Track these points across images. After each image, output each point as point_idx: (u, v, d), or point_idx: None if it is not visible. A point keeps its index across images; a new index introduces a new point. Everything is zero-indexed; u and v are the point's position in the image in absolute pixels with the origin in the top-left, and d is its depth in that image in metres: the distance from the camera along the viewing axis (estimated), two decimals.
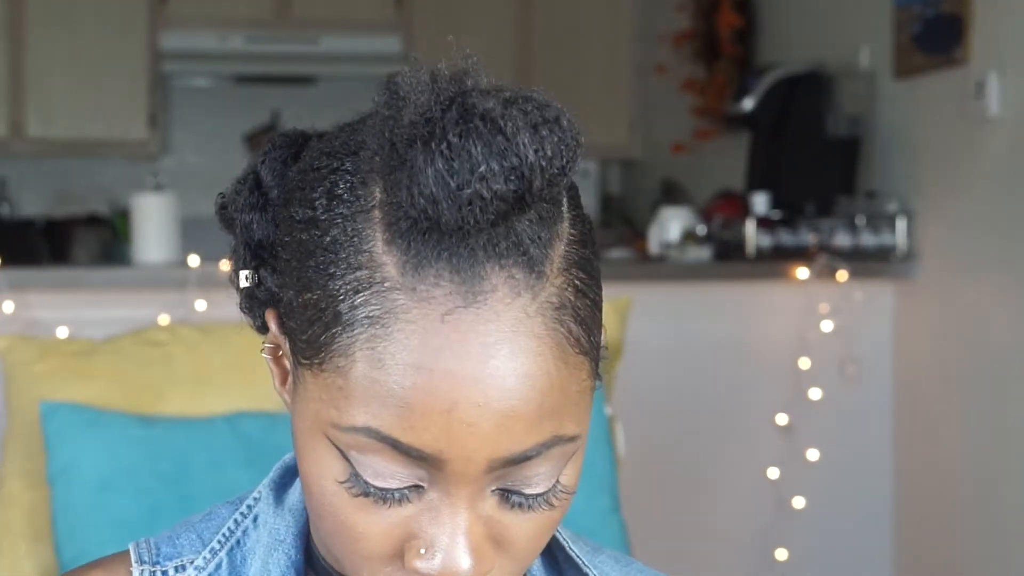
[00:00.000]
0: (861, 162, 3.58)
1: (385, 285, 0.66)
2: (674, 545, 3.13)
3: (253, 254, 0.78)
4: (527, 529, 0.71)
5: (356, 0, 5.11)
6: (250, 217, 0.78)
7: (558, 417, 0.68)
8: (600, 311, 0.72)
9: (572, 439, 0.69)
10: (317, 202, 0.70)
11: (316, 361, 0.69)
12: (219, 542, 0.83)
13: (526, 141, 0.64)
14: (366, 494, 0.68)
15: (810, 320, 3.25)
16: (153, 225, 3.16)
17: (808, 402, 3.25)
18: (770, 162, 3.80)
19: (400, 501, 0.68)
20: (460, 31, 5.10)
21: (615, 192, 5.74)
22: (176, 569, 0.82)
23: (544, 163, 0.65)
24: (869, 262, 3.32)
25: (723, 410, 3.27)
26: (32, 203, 5.20)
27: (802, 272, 3.23)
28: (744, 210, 3.58)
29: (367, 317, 0.66)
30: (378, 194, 0.68)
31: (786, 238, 3.44)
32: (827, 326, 3.25)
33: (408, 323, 0.66)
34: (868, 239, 3.35)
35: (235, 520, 0.83)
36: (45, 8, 4.87)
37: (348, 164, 0.71)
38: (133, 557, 0.83)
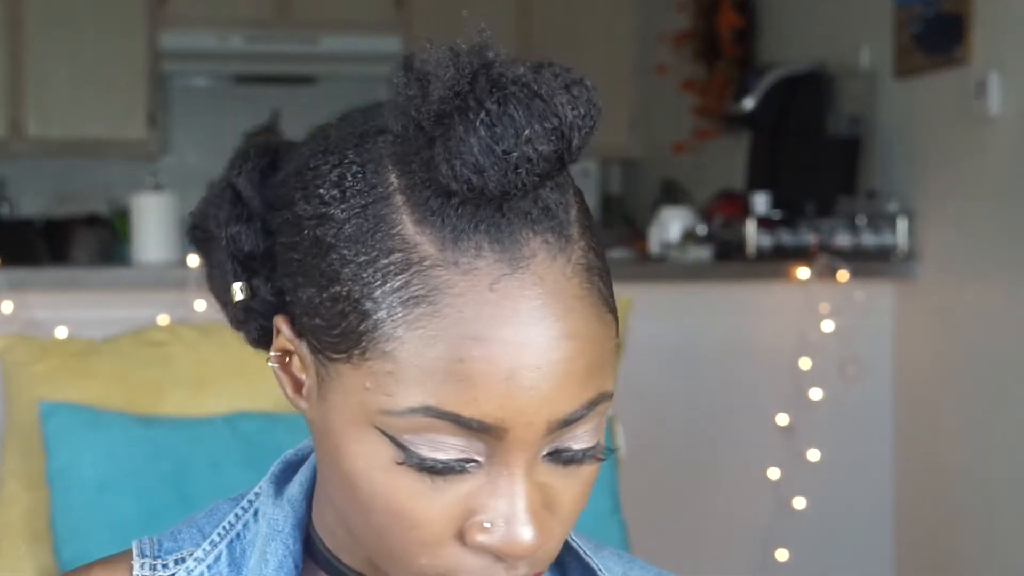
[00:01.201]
0: (862, 162, 3.58)
1: (425, 264, 0.67)
2: (674, 545, 3.12)
3: (243, 266, 0.77)
4: (573, 492, 0.72)
5: (356, 0, 5.11)
6: (236, 229, 0.77)
7: (600, 374, 0.70)
8: (610, 274, 0.74)
9: (609, 396, 0.71)
10: (327, 196, 0.70)
11: (356, 352, 0.68)
12: (219, 535, 0.83)
13: (564, 102, 0.66)
14: (424, 469, 0.68)
15: (811, 320, 3.25)
16: (153, 225, 3.16)
17: (809, 402, 3.24)
18: (770, 162, 3.80)
19: (460, 473, 0.68)
20: (460, 31, 5.10)
21: (615, 192, 5.74)
22: (176, 562, 0.83)
23: (580, 122, 0.67)
24: (870, 262, 3.32)
25: (723, 410, 3.26)
26: (31, 203, 5.20)
27: (803, 272, 3.23)
28: (744, 210, 3.57)
29: (411, 298, 0.67)
30: (394, 179, 0.69)
31: (786, 238, 3.44)
32: (828, 326, 3.25)
33: (456, 297, 0.66)
34: (869, 239, 3.35)
35: (236, 514, 0.84)
36: (45, 8, 4.86)
37: (352, 156, 0.71)
38: (135, 552, 0.83)
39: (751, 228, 3.43)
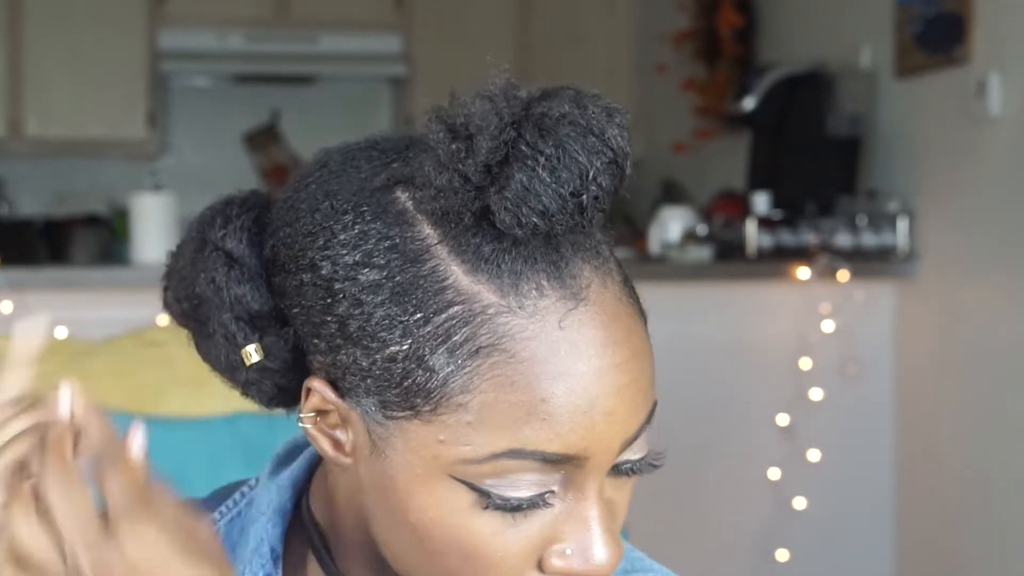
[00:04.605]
0: (862, 162, 3.57)
1: (489, 312, 0.67)
2: (674, 545, 3.11)
3: (251, 326, 0.75)
4: (624, 499, 0.74)
5: (356, 0, 5.10)
6: (240, 290, 0.75)
7: (653, 382, 0.71)
8: None
9: (656, 403, 0.73)
10: (358, 256, 0.69)
11: (426, 408, 0.68)
12: (220, 513, 0.84)
13: (614, 133, 0.67)
14: (508, 510, 0.68)
15: (811, 320, 3.24)
16: (152, 225, 3.16)
17: (809, 402, 3.24)
18: (771, 162, 3.80)
19: (539, 506, 0.69)
20: (460, 31, 5.10)
21: None
22: None
23: (628, 148, 0.67)
24: (870, 262, 3.32)
25: (724, 410, 3.26)
26: (31, 203, 5.19)
27: (803, 272, 3.22)
28: (745, 210, 3.57)
29: (481, 348, 0.67)
30: (429, 230, 0.69)
31: (787, 238, 3.43)
32: (828, 326, 3.24)
33: (529, 340, 0.67)
34: (869, 239, 3.34)
35: (241, 492, 0.85)
36: (44, 8, 4.86)
37: (369, 213, 0.70)
38: None
39: (751, 228, 3.42)
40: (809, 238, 3.38)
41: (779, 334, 3.27)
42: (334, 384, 0.72)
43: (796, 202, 3.53)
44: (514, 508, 0.68)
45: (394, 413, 0.69)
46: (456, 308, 0.67)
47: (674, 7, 4.83)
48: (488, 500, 0.68)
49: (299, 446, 0.85)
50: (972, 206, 3.10)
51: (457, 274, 0.68)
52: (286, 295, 0.73)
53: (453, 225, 0.68)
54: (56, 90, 4.90)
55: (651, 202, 4.83)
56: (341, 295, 0.69)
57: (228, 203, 0.77)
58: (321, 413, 0.73)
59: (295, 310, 0.73)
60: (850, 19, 3.75)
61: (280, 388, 0.76)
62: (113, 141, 5.02)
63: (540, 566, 0.70)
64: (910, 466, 3.32)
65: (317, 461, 0.83)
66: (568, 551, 0.69)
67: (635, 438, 0.70)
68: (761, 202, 3.51)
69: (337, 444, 0.74)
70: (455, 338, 0.67)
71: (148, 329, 2.18)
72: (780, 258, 3.36)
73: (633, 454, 0.71)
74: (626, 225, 5.10)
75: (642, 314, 0.72)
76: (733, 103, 4.00)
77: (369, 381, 0.69)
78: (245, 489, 0.85)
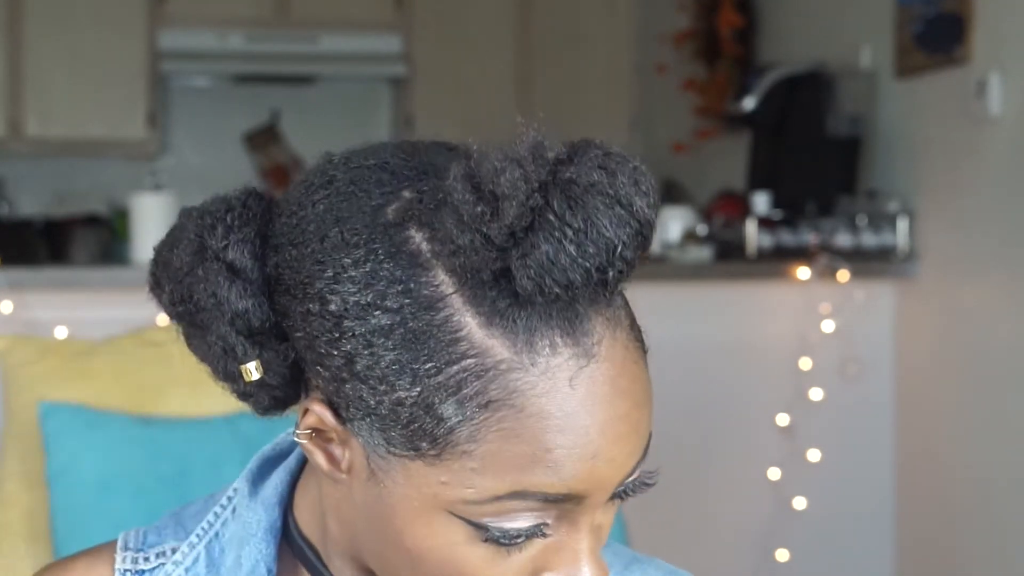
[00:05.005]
0: (862, 162, 3.57)
1: (501, 367, 0.67)
2: (674, 545, 3.11)
3: (251, 342, 0.73)
4: (611, 519, 0.74)
5: (356, 0, 5.10)
6: (244, 305, 0.72)
7: (651, 419, 0.72)
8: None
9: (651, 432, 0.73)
10: (370, 296, 0.68)
11: (431, 452, 0.68)
12: (197, 536, 0.83)
13: (642, 205, 0.66)
14: (502, 542, 0.69)
15: (811, 320, 3.24)
16: (152, 225, 3.15)
17: (809, 402, 3.24)
18: (771, 162, 3.80)
19: (535, 536, 0.70)
20: (460, 31, 5.10)
21: None
22: (157, 555, 0.83)
23: (654, 218, 0.67)
24: (870, 262, 3.32)
25: (723, 410, 3.26)
26: (31, 203, 5.20)
27: (803, 272, 3.22)
28: (745, 210, 3.57)
29: (491, 402, 0.67)
30: (444, 277, 0.67)
31: (787, 238, 3.43)
32: (828, 326, 3.24)
33: (538, 397, 0.67)
34: (869, 239, 3.34)
35: (215, 513, 0.84)
36: (44, 8, 4.86)
37: (382, 251, 0.68)
38: (120, 543, 0.84)
39: (751, 228, 3.43)
40: (809, 238, 3.39)
41: (779, 334, 3.27)
42: (335, 409, 0.71)
43: (796, 202, 3.53)
44: (511, 540, 0.69)
45: (396, 450, 0.69)
46: (469, 361, 0.66)
47: (674, 7, 4.84)
48: (487, 533, 0.68)
49: (271, 459, 0.84)
50: (972, 206, 3.10)
51: (471, 326, 0.67)
52: (289, 317, 0.72)
53: (470, 277, 0.67)
54: (56, 90, 4.90)
55: None
56: (350, 333, 0.68)
57: (228, 209, 0.73)
58: (318, 431, 0.73)
59: (298, 334, 0.71)
60: (850, 19, 3.75)
61: (276, 399, 0.75)
62: (113, 141, 5.02)
63: None
64: (910, 466, 3.32)
65: (297, 476, 0.82)
66: None
67: (632, 475, 0.71)
68: (761, 202, 3.51)
69: (333, 459, 0.73)
70: (466, 390, 0.66)
71: (148, 329, 2.19)
72: (780, 258, 3.36)
73: (626, 478, 0.72)
74: None
75: (644, 351, 0.72)
76: (733, 103, 4.00)
77: (373, 418, 0.69)
78: (218, 509, 0.84)
